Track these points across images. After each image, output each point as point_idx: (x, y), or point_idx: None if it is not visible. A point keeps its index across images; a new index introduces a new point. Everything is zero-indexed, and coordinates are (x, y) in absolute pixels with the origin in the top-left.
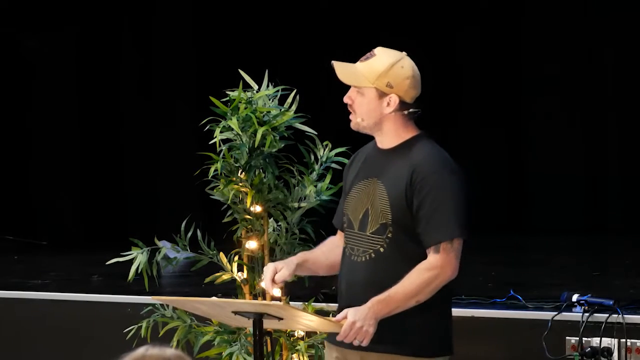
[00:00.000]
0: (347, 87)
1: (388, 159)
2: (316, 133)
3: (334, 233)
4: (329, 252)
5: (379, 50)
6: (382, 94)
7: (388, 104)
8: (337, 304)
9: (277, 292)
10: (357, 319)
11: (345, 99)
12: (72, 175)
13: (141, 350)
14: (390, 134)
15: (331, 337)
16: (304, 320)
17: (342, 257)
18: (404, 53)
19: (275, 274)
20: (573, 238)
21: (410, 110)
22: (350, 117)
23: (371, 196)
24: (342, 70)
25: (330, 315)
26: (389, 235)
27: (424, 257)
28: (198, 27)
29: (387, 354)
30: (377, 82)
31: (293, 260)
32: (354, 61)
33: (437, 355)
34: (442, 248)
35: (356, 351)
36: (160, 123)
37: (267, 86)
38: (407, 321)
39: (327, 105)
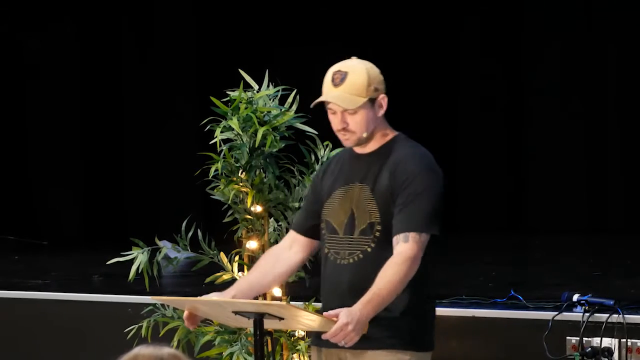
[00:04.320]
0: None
1: (370, 162)
2: (316, 133)
3: None
4: (268, 271)
5: (344, 67)
6: (373, 101)
7: (381, 106)
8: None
9: (277, 291)
10: (350, 321)
11: (338, 126)
12: (72, 175)
13: (135, 350)
14: (376, 139)
15: (317, 340)
16: (304, 320)
17: (325, 262)
18: (355, 57)
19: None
20: (574, 238)
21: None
22: (345, 138)
23: (354, 200)
24: (336, 100)
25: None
26: (376, 234)
27: None
28: (199, 27)
29: (384, 349)
30: (368, 93)
31: (229, 293)
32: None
33: (427, 350)
34: (411, 237)
35: (351, 350)
36: (161, 123)
37: (268, 86)
38: (402, 316)
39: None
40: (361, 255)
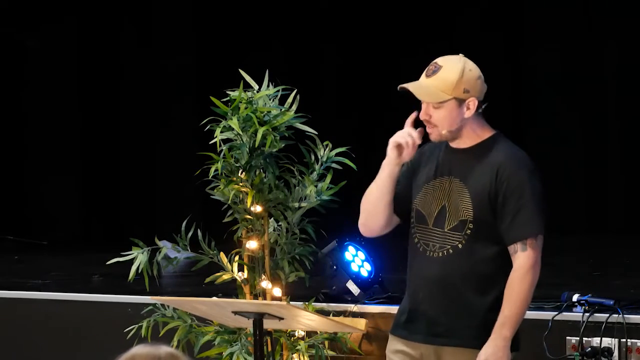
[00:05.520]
0: (345, 91)
1: (467, 159)
2: (316, 133)
3: (334, 233)
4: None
5: (442, 61)
6: (461, 101)
7: (468, 108)
8: (334, 303)
9: (277, 291)
10: (489, 356)
11: (422, 116)
12: (72, 175)
13: (132, 350)
14: (469, 136)
15: (397, 330)
16: (304, 319)
17: (414, 253)
18: (462, 55)
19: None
20: (573, 238)
21: (483, 106)
22: (429, 130)
23: (447, 194)
24: (419, 91)
25: (331, 314)
26: (467, 232)
27: (500, 254)
28: (198, 27)
29: (462, 347)
30: (455, 92)
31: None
32: (355, 64)
33: (514, 350)
34: (528, 244)
35: (431, 345)
36: (161, 123)
37: (268, 86)
38: (492, 317)
39: (327, 105)
40: (451, 251)
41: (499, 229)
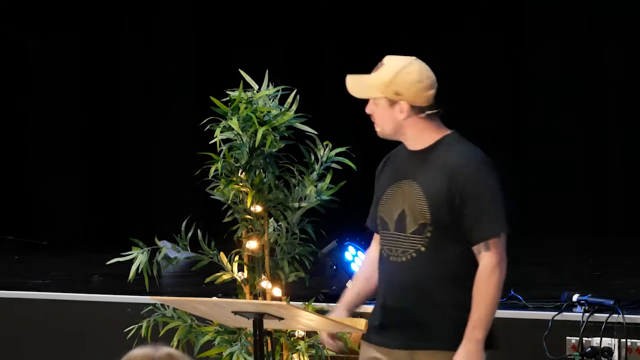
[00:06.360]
0: (345, 91)
1: (421, 160)
2: (316, 133)
3: (334, 233)
4: (371, 277)
5: (387, 59)
6: (392, 103)
7: (401, 111)
8: (334, 303)
9: (277, 291)
10: (467, 357)
11: (367, 110)
12: (72, 175)
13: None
14: (416, 138)
15: (370, 336)
16: (304, 320)
17: (380, 259)
18: (412, 58)
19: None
20: (573, 238)
21: (428, 112)
22: (375, 126)
23: (407, 197)
24: (352, 84)
25: (332, 314)
26: (427, 234)
27: (465, 253)
28: (198, 27)
29: (436, 350)
30: (386, 92)
31: (341, 307)
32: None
33: (486, 349)
34: (491, 244)
35: (404, 350)
36: (161, 123)
37: (268, 86)
38: (461, 317)
39: (327, 105)
40: (414, 255)
41: (460, 230)
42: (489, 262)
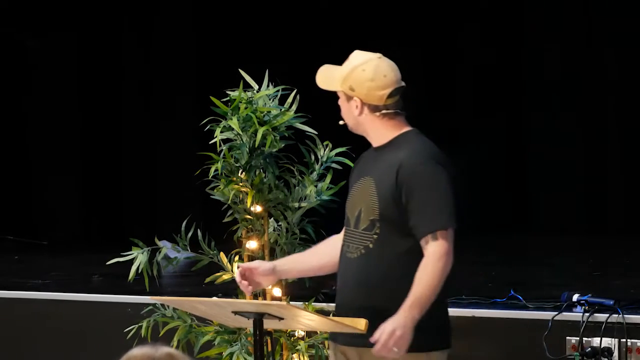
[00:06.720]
0: None
1: (378, 157)
2: (316, 133)
3: (334, 233)
4: (322, 253)
5: (353, 54)
6: (349, 98)
7: (356, 107)
8: (334, 304)
9: (277, 291)
10: (397, 327)
11: (339, 102)
12: (72, 175)
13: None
14: (375, 135)
15: (332, 335)
16: (304, 319)
17: (340, 255)
18: (376, 56)
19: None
20: (573, 238)
21: (384, 112)
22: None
23: (364, 194)
24: (321, 74)
25: (331, 314)
26: (376, 231)
27: (411, 252)
28: (198, 26)
29: None
30: (343, 86)
31: (271, 262)
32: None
33: (436, 349)
34: (439, 235)
35: (354, 348)
36: (161, 123)
37: (268, 86)
38: None
39: (327, 105)
40: (363, 251)
41: (407, 226)
42: (436, 249)
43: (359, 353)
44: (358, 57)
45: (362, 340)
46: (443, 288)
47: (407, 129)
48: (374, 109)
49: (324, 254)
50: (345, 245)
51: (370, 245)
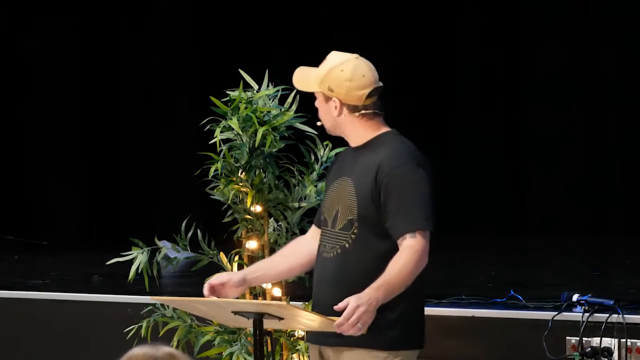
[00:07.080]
0: None
1: (357, 157)
2: (316, 133)
3: None
4: (289, 255)
5: (330, 54)
6: (327, 98)
7: (335, 108)
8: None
9: (277, 291)
10: (361, 304)
11: (316, 103)
12: (72, 175)
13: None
14: (353, 135)
15: (311, 336)
16: (304, 319)
17: (317, 255)
18: (354, 56)
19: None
20: (573, 238)
21: (362, 112)
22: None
23: (342, 194)
24: (298, 76)
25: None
26: (354, 231)
27: (388, 251)
28: (198, 26)
29: (361, 348)
30: (321, 86)
31: (240, 273)
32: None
33: (409, 349)
34: (417, 234)
35: (331, 347)
36: (161, 123)
37: (267, 86)
38: (382, 315)
39: None
40: (339, 251)
41: (385, 227)
42: (413, 244)
43: (335, 352)
44: (335, 58)
45: (339, 340)
46: (416, 287)
47: (386, 129)
48: (353, 109)
49: (291, 256)
50: (321, 245)
51: (347, 245)
